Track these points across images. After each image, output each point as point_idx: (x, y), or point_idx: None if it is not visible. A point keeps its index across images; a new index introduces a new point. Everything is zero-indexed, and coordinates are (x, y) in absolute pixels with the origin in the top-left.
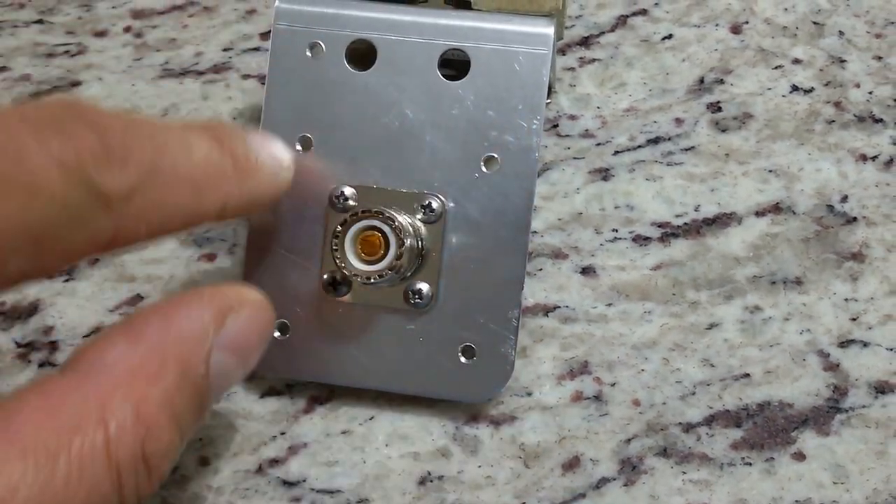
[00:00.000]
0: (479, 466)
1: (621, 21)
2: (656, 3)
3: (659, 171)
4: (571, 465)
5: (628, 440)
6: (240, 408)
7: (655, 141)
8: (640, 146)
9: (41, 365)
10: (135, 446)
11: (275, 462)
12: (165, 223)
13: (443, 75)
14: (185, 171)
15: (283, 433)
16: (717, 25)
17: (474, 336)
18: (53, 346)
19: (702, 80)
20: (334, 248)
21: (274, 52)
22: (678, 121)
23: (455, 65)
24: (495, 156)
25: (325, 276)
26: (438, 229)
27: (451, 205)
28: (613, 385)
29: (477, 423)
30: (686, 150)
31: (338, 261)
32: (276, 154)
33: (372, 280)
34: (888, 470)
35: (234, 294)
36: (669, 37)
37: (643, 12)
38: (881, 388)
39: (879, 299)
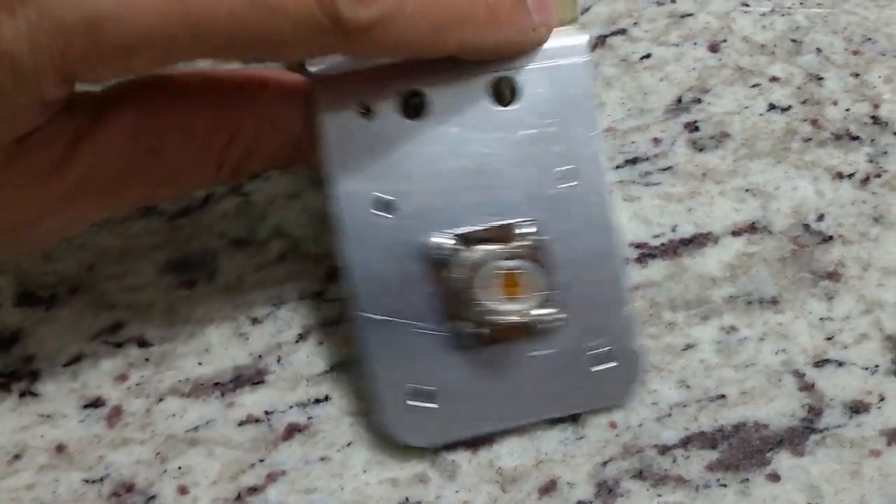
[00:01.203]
0: (457, 491)
1: (600, 41)
2: (635, 23)
3: (637, 192)
4: (548, 488)
5: (605, 463)
6: (218, 435)
7: (633, 161)
8: (618, 166)
9: (22, 395)
10: None
11: (253, 490)
12: (398, 53)
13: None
14: (431, 12)
15: (261, 460)
16: (695, 44)
17: (600, 341)
18: (34, 375)
19: (679, 100)
20: (478, 299)
21: (324, 123)
22: (656, 141)
23: (500, 92)
24: (567, 167)
25: (465, 330)
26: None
27: (542, 223)
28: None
29: (454, 448)
30: (663, 170)
31: (485, 311)
32: (537, 12)
33: (537, 315)
34: (862, 490)
35: None
36: (648, 56)
37: (622, 32)
38: (856, 408)
39: (855, 318)
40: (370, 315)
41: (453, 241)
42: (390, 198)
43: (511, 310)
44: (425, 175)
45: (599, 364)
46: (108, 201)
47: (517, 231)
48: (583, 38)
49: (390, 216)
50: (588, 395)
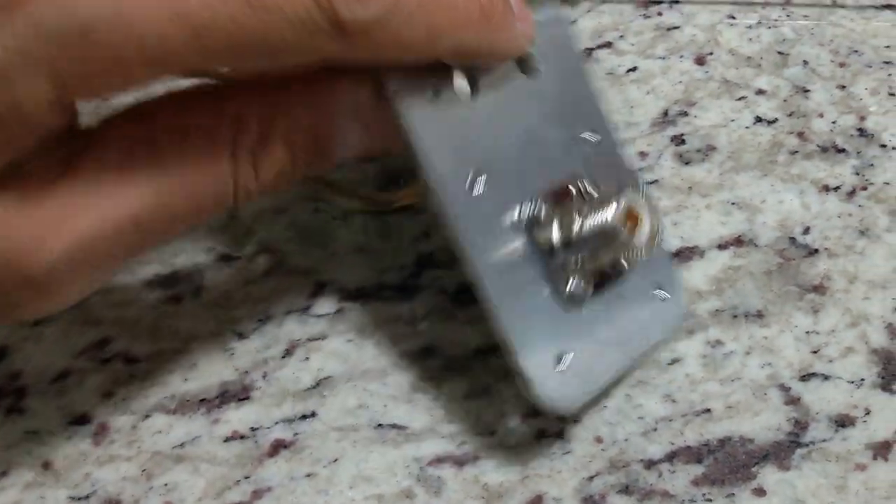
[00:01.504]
0: None
1: (586, 54)
2: (621, 36)
3: None
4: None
5: (591, 478)
6: (204, 451)
7: None
8: None
9: (8, 411)
10: None
11: None
12: (394, 56)
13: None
14: (428, 14)
15: (247, 477)
16: (681, 57)
17: (656, 276)
18: (21, 391)
19: (666, 113)
20: (625, 242)
21: (405, 112)
22: (642, 154)
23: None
24: (588, 124)
25: (572, 288)
26: None
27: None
28: (576, 422)
29: (440, 464)
30: (650, 183)
31: (634, 251)
32: (520, 21)
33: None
34: None
35: None
36: (634, 69)
37: (608, 45)
38: (841, 422)
39: (840, 331)
40: (498, 297)
41: (542, 205)
42: (477, 175)
43: (646, 241)
44: (495, 148)
45: (659, 293)
46: (119, 232)
47: (582, 188)
48: (557, 8)
49: (481, 192)
50: (657, 326)
